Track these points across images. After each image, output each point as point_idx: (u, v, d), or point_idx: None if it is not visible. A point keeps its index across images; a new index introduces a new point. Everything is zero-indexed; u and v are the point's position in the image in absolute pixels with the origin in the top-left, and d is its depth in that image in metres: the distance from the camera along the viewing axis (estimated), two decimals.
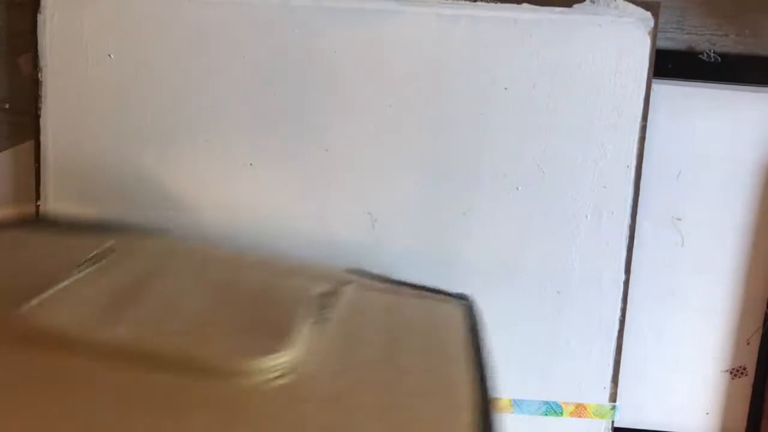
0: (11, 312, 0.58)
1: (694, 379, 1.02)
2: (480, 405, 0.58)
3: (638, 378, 1.02)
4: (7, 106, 0.99)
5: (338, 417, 0.53)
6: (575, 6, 0.90)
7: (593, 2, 0.90)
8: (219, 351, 0.58)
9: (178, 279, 0.71)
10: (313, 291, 0.71)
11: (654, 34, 0.90)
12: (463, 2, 0.90)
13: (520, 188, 0.94)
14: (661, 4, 0.90)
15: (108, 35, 0.93)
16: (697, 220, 0.98)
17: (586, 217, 0.94)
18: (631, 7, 0.90)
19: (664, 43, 0.94)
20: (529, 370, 0.97)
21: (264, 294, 0.70)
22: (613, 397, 0.97)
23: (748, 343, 1.01)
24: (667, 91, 0.95)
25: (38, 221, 0.93)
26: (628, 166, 0.93)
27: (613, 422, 0.98)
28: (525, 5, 0.90)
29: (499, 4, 0.90)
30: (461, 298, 0.84)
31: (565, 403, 0.98)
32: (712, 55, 0.94)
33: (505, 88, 0.92)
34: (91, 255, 0.72)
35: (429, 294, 0.84)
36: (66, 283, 0.65)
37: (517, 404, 0.98)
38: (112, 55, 0.93)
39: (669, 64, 0.94)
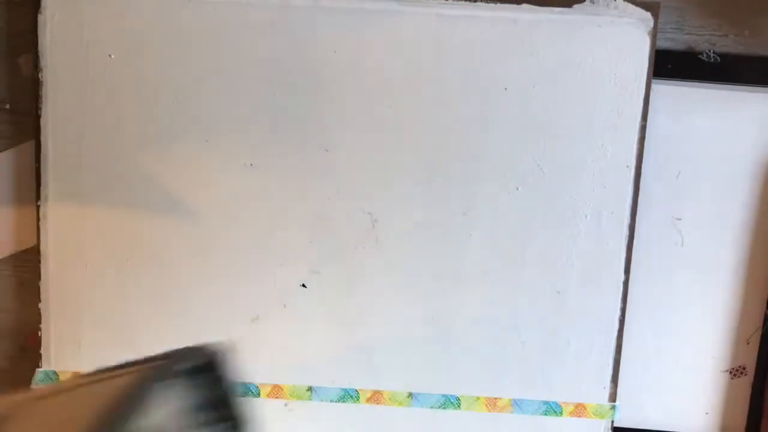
0: None
1: (694, 378, 1.02)
2: None
3: (638, 378, 1.02)
4: (7, 106, 0.99)
5: None
6: (575, 6, 0.90)
7: (593, 2, 0.90)
8: None
9: None
10: None
11: (654, 35, 0.90)
12: (463, 2, 0.90)
13: (520, 188, 0.94)
14: (661, 5, 0.90)
15: (108, 35, 0.93)
16: (697, 220, 0.98)
17: (586, 217, 0.94)
18: (631, 7, 0.90)
19: (663, 44, 0.94)
20: (529, 370, 0.97)
21: None
22: (613, 397, 0.97)
23: (748, 343, 1.01)
24: (667, 91, 0.95)
25: None
26: (627, 166, 0.93)
27: (612, 422, 0.98)
28: (525, 5, 0.90)
29: (498, 5, 0.90)
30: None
31: (564, 402, 0.98)
32: (711, 55, 0.94)
33: (505, 88, 0.92)
34: None
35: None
36: None
37: (517, 404, 0.98)
38: (112, 55, 0.93)
39: (669, 65, 0.94)
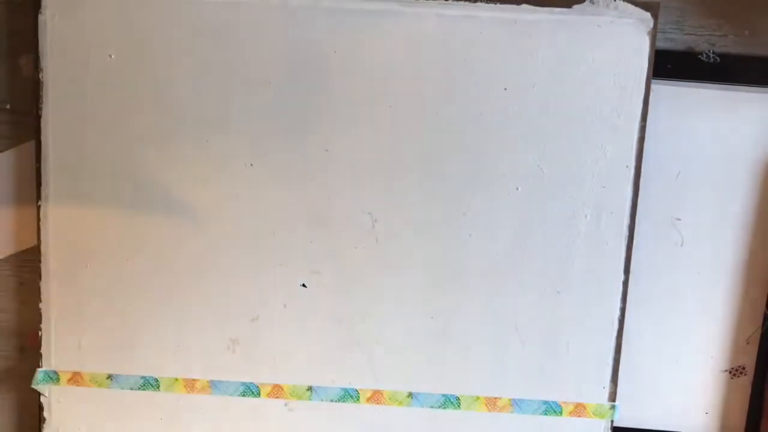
0: None
1: (694, 378, 1.02)
2: None
3: (638, 378, 1.02)
4: (8, 106, 0.99)
5: None
6: (575, 7, 0.90)
7: (593, 3, 0.90)
8: None
9: None
10: None
11: (653, 35, 0.90)
12: (463, 3, 0.90)
13: (520, 188, 0.94)
14: (661, 5, 0.90)
15: (108, 36, 0.93)
16: (697, 220, 0.98)
17: (586, 217, 0.94)
18: (631, 7, 0.90)
19: (663, 44, 0.94)
20: (529, 370, 0.97)
21: None
22: (613, 397, 0.97)
23: (748, 343, 1.02)
24: (667, 91, 0.95)
25: None
26: (627, 166, 0.93)
27: (612, 421, 0.98)
28: (525, 6, 0.90)
29: (498, 5, 0.90)
30: None
31: (564, 402, 0.98)
32: (711, 55, 0.94)
33: (505, 89, 0.92)
34: None
35: None
36: None
37: (517, 404, 0.98)
38: (112, 56, 0.93)
39: (668, 65, 0.94)
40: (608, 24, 0.90)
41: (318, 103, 0.93)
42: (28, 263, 1.02)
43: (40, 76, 0.94)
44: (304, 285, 0.97)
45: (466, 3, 0.90)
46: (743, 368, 1.02)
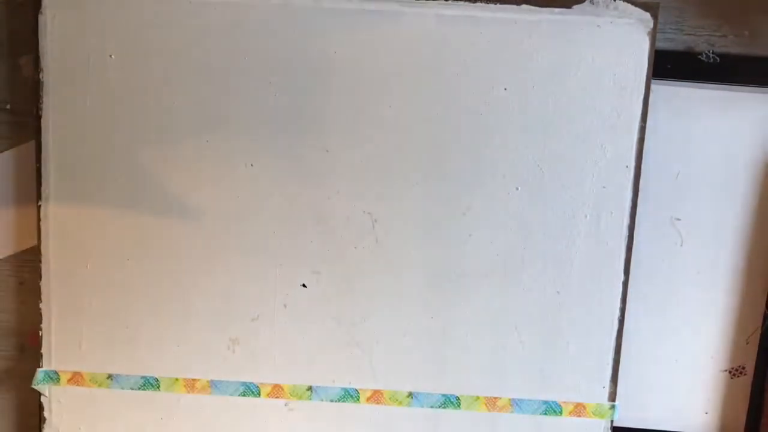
0: None
1: (694, 378, 1.02)
2: None
3: (638, 377, 1.02)
4: (8, 106, 0.99)
5: None
6: (575, 7, 0.90)
7: (593, 3, 0.90)
8: None
9: None
10: None
11: (653, 35, 0.90)
12: (463, 3, 0.90)
13: (519, 188, 0.94)
14: (661, 5, 0.90)
15: (109, 36, 0.93)
16: (697, 220, 0.98)
17: (586, 217, 0.94)
18: (631, 7, 0.90)
19: (663, 44, 0.94)
20: (529, 370, 0.97)
21: None
22: (613, 397, 0.97)
23: (747, 343, 1.02)
24: (667, 91, 0.95)
25: None
26: (627, 167, 0.93)
27: (612, 421, 0.98)
28: (525, 6, 0.90)
29: (498, 5, 0.90)
30: None
31: (564, 402, 0.98)
32: (711, 55, 0.95)
33: (505, 89, 0.92)
34: None
35: None
36: None
37: (517, 404, 0.98)
38: (112, 56, 0.93)
39: (668, 65, 0.94)
40: (608, 24, 0.90)
41: (318, 103, 0.93)
42: (28, 263, 1.02)
43: (40, 76, 0.94)
44: (304, 285, 0.97)
45: (466, 3, 0.90)
46: (743, 368, 1.02)
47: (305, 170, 0.95)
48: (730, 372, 1.02)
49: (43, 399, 1.01)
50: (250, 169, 0.95)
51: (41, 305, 0.98)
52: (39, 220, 0.96)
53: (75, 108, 0.94)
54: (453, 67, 0.92)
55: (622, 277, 0.95)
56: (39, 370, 1.00)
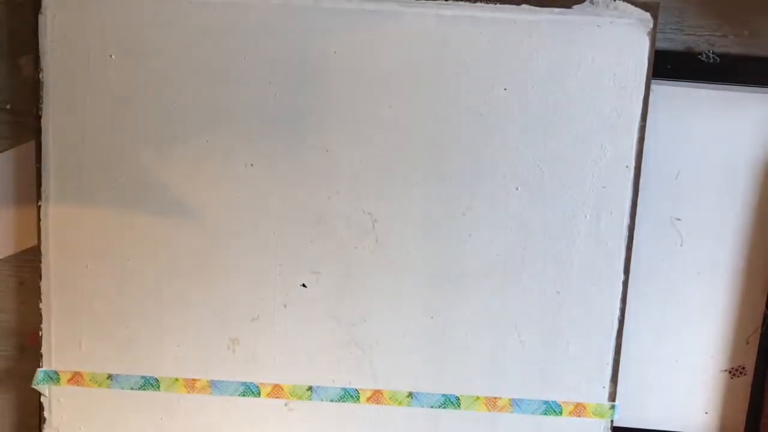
0: None
1: (694, 378, 1.02)
2: None
3: (638, 377, 1.02)
4: (8, 106, 0.99)
5: None
6: (575, 7, 0.90)
7: (592, 3, 0.90)
8: None
9: None
10: None
11: (653, 35, 0.90)
12: (463, 3, 0.90)
13: (519, 188, 0.94)
14: (661, 5, 0.90)
15: (109, 36, 0.93)
16: (697, 220, 0.98)
17: (586, 217, 0.94)
18: (630, 8, 0.90)
19: (663, 44, 0.94)
20: (529, 370, 0.97)
21: None
22: (612, 397, 0.97)
23: (747, 343, 1.02)
24: (666, 91, 0.95)
25: None
26: (627, 167, 0.93)
27: (612, 421, 0.98)
28: (524, 6, 0.90)
29: (498, 5, 0.90)
30: None
31: (564, 402, 0.98)
32: (711, 55, 0.95)
33: (505, 89, 0.92)
34: None
35: None
36: None
37: (517, 404, 0.98)
38: (113, 56, 0.93)
39: (668, 65, 0.94)
40: (608, 24, 0.90)
41: (318, 103, 0.93)
42: (28, 263, 1.02)
43: (40, 76, 0.94)
44: (304, 285, 0.97)
45: (466, 3, 0.90)
46: (743, 368, 1.02)
47: (305, 170, 0.95)
48: (730, 372, 1.02)
49: (43, 399, 1.01)
50: (250, 169, 0.95)
51: (41, 305, 0.98)
52: (39, 220, 0.97)
53: (75, 108, 0.94)
54: (453, 67, 0.92)
55: (622, 277, 0.95)
56: (39, 370, 1.00)
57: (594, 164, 0.93)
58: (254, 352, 0.99)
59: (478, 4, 0.90)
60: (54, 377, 1.00)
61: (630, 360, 1.00)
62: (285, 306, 0.98)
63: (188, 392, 1.00)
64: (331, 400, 0.99)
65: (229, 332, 0.98)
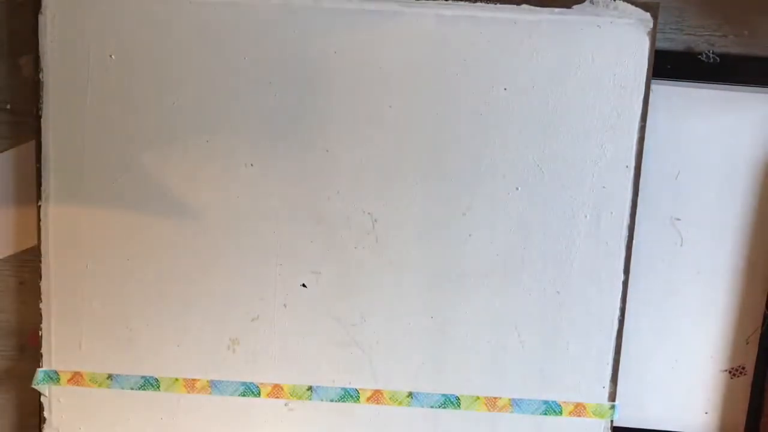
0: None
1: (694, 378, 1.02)
2: None
3: (638, 377, 1.02)
4: (8, 106, 0.99)
5: None
6: (574, 7, 0.90)
7: (592, 3, 0.90)
8: None
9: None
10: None
11: (653, 35, 0.90)
12: (463, 3, 0.90)
13: (519, 188, 0.94)
14: (661, 5, 0.90)
15: (109, 36, 0.93)
16: (696, 220, 0.98)
17: (586, 217, 0.94)
18: (630, 8, 0.90)
19: (663, 44, 0.94)
20: (529, 370, 0.97)
21: None
22: (612, 397, 0.97)
23: (747, 343, 1.02)
24: (666, 91, 0.95)
25: None
26: (627, 167, 0.93)
27: (612, 421, 0.98)
28: (524, 6, 0.90)
29: (498, 5, 0.90)
30: None
31: (564, 402, 0.98)
32: (711, 55, 0.95)
33: (505, 89, 0.92)
34: None
35: None
36: None
37: (517, 404, 0.98)
38: (113, 56, 0.93)
39: (668, 65, 0.94)
40: (608, 24, 0.90)
41: (318, 103, 0.93)
42: (28, 263, 1.02)
43: (40, 76, 0.94)
44: (304, 285, 0.97)
45: (466, 3, 0.90)
46: (743, 368, 1.02)
47: (305, 170, 0.95)
48: (730, 372, 1.02)
49: (43, 399, 1.01)
50: (250, 169, 0.95)
51: (41, 305, 0.98)
52: (39, 220, 0.97)
53: (75, 108, 0.94)
54: (453, 67, 0.92)
55: (621, 277, 0.95)
56: (39, 370, 1.00)
57: (594, 164, 0.93)
58: (254, 352, 0.99)
59: (478, 4, 0.90)
60: (54, 377, 1.00)
61: (630, 360, 1.00)
62: (285, 306, 0.98)
63: (188, 392, 1.00)
64: (331, 400, 0.99)
65: (229, 332, 0.98)
